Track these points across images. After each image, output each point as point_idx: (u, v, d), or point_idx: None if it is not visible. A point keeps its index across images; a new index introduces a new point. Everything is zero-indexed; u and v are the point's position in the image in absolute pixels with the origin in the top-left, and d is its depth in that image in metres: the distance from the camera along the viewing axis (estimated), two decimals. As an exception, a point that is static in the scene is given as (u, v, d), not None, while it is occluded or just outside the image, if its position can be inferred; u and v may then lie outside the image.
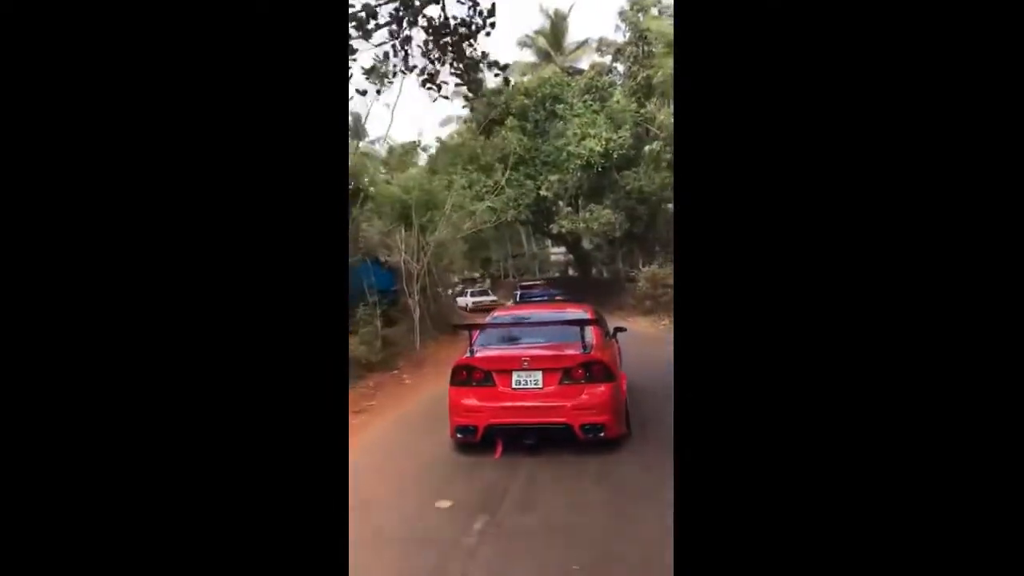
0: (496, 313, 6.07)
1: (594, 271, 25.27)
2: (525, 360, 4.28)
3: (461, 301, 21.40)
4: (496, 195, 16.58)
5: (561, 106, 19.30)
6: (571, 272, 29.31)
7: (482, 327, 5.12)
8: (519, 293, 18.72)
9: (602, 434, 4.10)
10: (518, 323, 5.30)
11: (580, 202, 19.53)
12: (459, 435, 4.39)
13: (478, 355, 4.53)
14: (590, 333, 4.55)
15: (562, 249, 31.96)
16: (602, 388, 4.15)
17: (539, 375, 4.22)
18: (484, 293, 23.87)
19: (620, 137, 17.65)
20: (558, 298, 9.73)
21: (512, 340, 4.92)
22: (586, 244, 24.36)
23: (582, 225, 17.93)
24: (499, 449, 4.31)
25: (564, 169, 18.31)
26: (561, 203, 18.83)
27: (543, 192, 18.54)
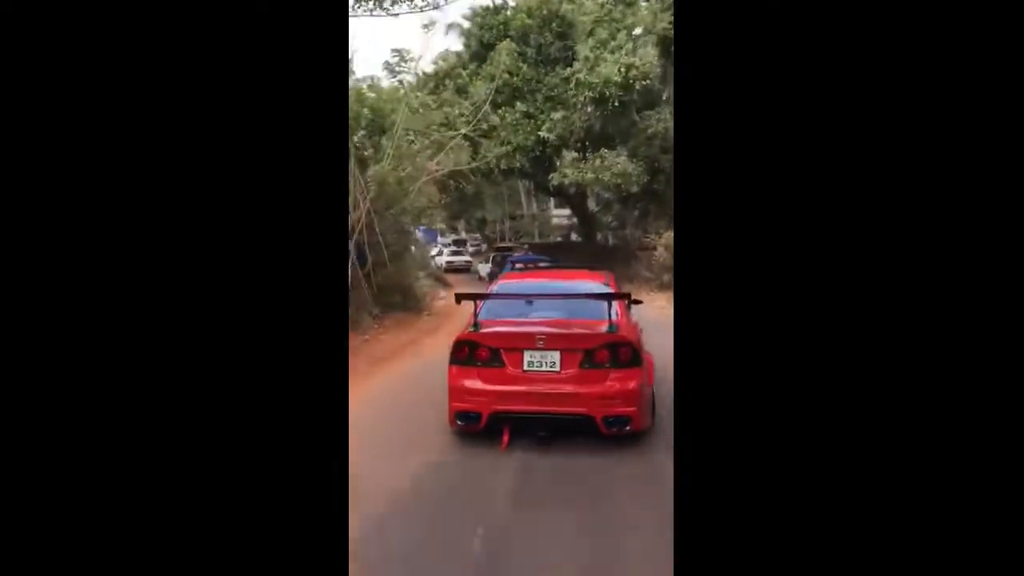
0: (503, 281, 5.11)
1: (599, 236, 21.79)
2: (540, 338, 3.60)
3: (439, 261, 20.08)
4: (474, 125, 12.76)
5: (571, 7, 15.28)
6: (575, 237, 25.87)
7: (488, 297, 4.19)
8: (493, 256, 17.18)
9: (628, 427, 3.47)
10: (531, 294, 4.40)
11: (588, 150, 15.71)
12: (459, 422, 3.68)
13: (484, 329, 3.78)
14: (615, 308, 3.79)
15: (566, 211, 28.50)
16: (629, 374, 3.52)
17: (556, 356, 3.56)
18: (459, 253, 22.47)
19: (644, 64, 13.76)
20: (541, 264, 8.37)
21: (522, 313, 4.07)
22: (593, 204, 20.82)
23: (589, 175, 14.09)
24: (505, 440, 3.59)
25: (571, 105, 14.52)
26: (567, 150, 14.99)
27: (543, 133, 14.84)
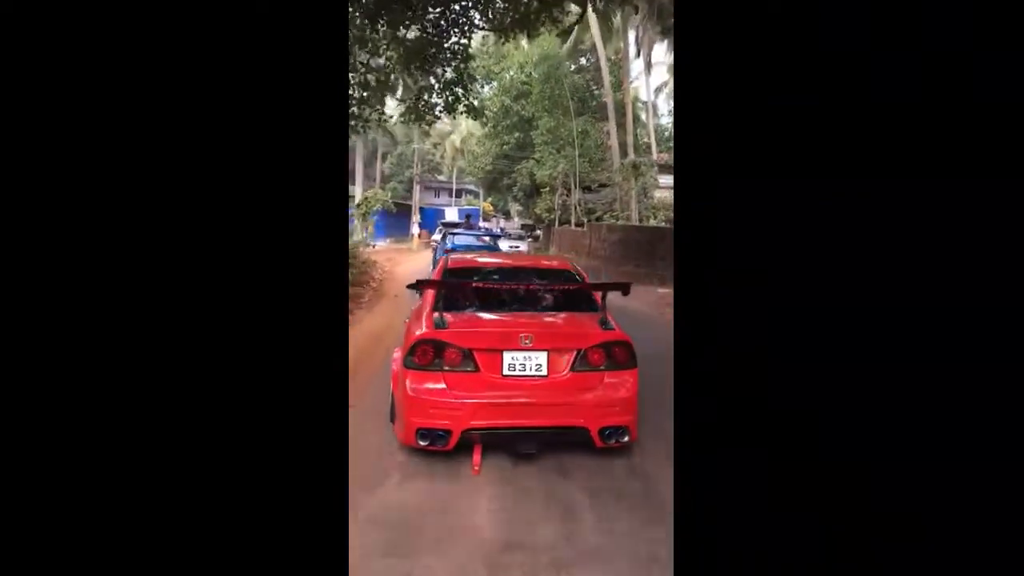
0: (449, 266, 3.96)
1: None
2: (526, 336, 2.99)
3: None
4: None
5: None
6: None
7: (442, 285, 3.39)
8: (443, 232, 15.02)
9: (625, 439, 3.06)
10: (498, 283, 3.57)
11: None
12: (422, 442, 2.94)
13: (451, 327, 3.07)
14: (598, 302, 3.48)
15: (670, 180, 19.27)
16: (626, 378, 3.08)
17: (543, 357, 3.00)
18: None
19: None
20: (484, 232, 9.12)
21: (486, 305, 3.40)
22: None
23: None
24: (477, 460, 2.96)
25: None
26: None
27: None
